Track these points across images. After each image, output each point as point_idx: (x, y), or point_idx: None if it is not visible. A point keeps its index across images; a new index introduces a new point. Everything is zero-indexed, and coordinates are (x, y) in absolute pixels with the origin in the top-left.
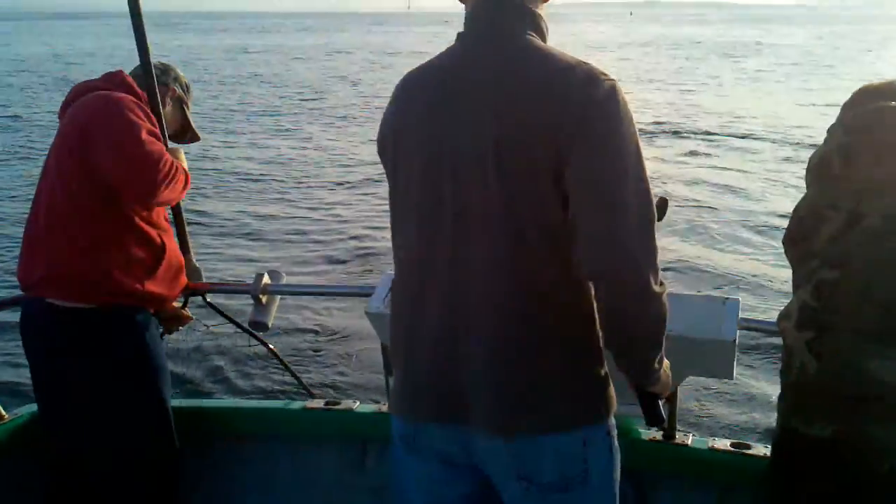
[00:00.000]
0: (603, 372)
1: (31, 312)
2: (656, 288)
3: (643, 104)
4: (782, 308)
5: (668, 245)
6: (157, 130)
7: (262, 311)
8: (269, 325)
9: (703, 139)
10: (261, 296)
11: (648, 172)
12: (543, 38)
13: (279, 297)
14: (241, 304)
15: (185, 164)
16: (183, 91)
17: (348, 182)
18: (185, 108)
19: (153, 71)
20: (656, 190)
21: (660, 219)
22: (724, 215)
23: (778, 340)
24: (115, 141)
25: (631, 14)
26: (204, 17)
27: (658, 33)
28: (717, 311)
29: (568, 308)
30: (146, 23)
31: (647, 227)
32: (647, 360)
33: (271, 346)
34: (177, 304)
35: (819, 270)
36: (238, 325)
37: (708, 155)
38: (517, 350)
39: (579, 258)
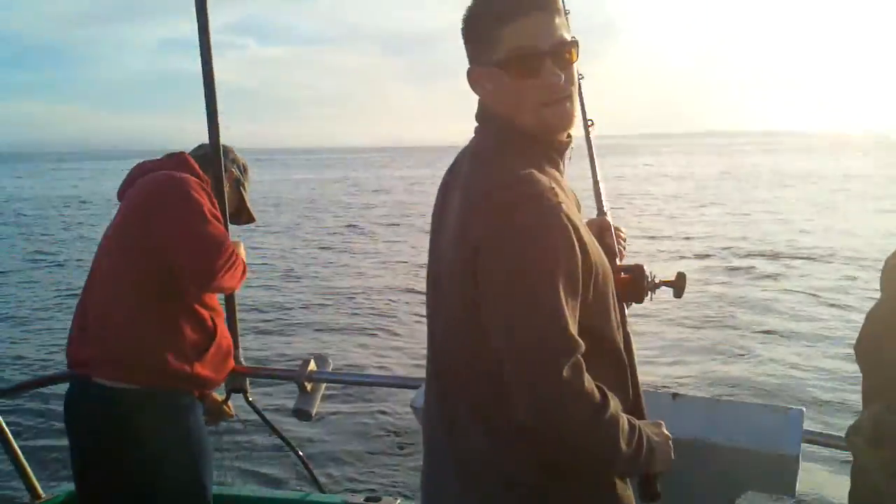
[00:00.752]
0: None
1: (77, 390)
2: (585, 425)
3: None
4: (852, 421)
5: (728, 357)
6: (219, 214)
7: (307, 398)
8: (313, 414)
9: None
10: (306, 383)
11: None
12: (512, 147)
13: (324, 384)
14: (286, 392)
15: (245, 256)
16: (241, 172)
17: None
18: (243, 189)
19: (218, 153)
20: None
21: (678, 295)
22: (786, 322)
23: (846, 456)
24: (179, 222)
25: None
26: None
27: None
28: (779, 421)
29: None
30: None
31: (553, 373)
32: (617, 468)
33: (287, 439)
34: (219, 397)
35: (895, 383)
36: (273, 430)
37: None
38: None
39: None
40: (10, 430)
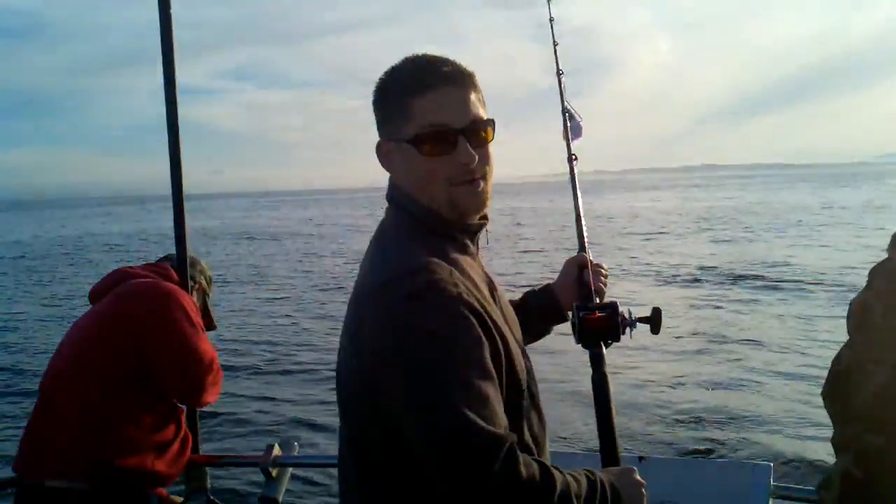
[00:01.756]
0: None
1: (29, 498)
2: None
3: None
4: (822, 476)
5: (688, 397)
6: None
7: (273, 485)
8: (280, 501)
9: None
10: (271, 469)
11: None
12: (415, 230)
13: (291, 468)
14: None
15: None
16: (206, 283)
17: None
18: (208, 298)
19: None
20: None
21: (655, 331)
22: (753, 362)
23: None
24: (173, 336)
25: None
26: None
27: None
28: (746, 478)
29: None
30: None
31: (481, 468)
32: None
33: None
34: (178, 500)
35: (863, 435)
36: None
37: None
38: None
39: None
40: None
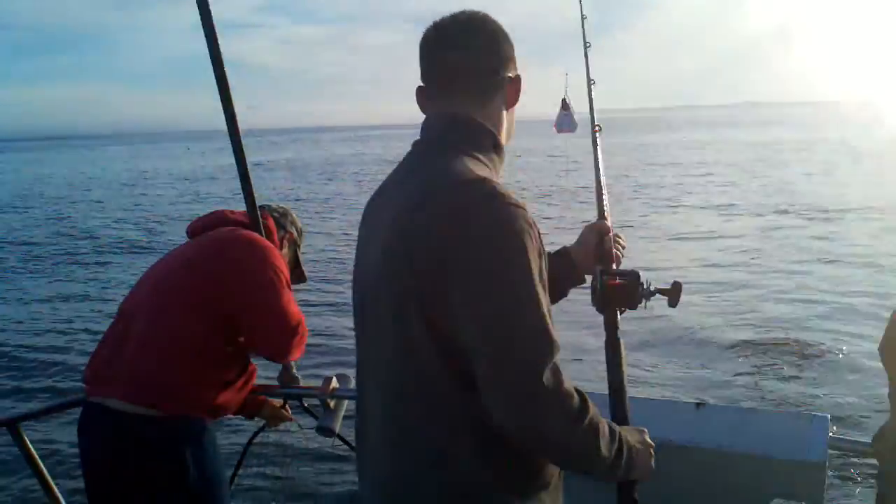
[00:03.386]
0: None
1: (92, 415)
2: (564, 428)
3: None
4: (878, 428)
5: (742, 357)
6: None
7: (330, 415)
8: (336, 430)
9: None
10: (329, 400)
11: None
12: (488, 154)
13: (347, 401)
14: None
15: None
16: (298, 235)
17: None
18: (298, 250)
19: (275, 213)
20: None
21: (673, 304)
22: (811, 319)
23: (874, 462)
24: (262, 297)
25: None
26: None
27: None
28: (803, 429)
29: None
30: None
31: (532, 374)
32: (596, 474)
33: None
34: (277, 403)
35: None
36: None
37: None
38: None
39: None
40: (38, 452)
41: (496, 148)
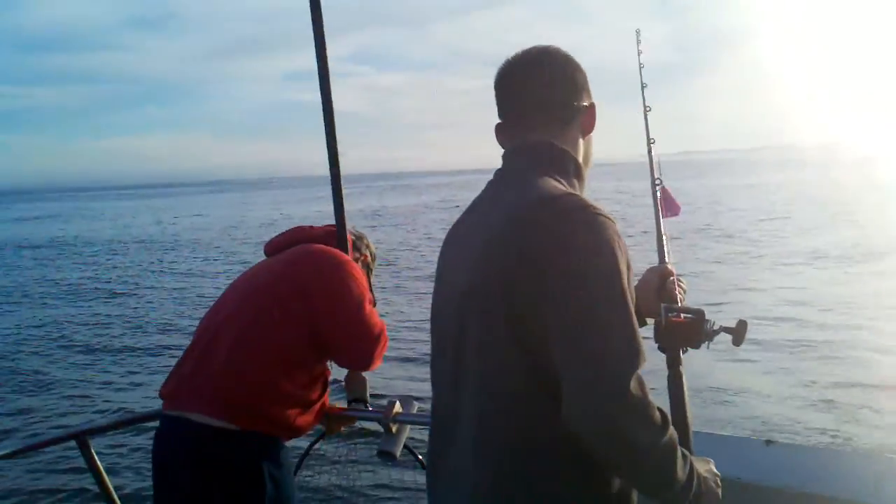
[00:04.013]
0: None
1: (172, 428)
2: (646, 441)
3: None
4: None
5: (823, 401)
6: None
7: (391, 440)
8: (397, 455)
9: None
10: (391, 424)
11: None
12: (569, 179)
13: (409, 426)
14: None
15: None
16: (371, 259)
17: None
18: (370, 274)
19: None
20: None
21: (738, 343)
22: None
23: None
24: (346, 309)
25: None
26: None
27: None
28: (882, 470)
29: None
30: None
31: (621, 379)
32: (667, 496)
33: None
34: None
35: None
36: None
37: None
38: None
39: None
40: (104, 466)
41: (578, 174)
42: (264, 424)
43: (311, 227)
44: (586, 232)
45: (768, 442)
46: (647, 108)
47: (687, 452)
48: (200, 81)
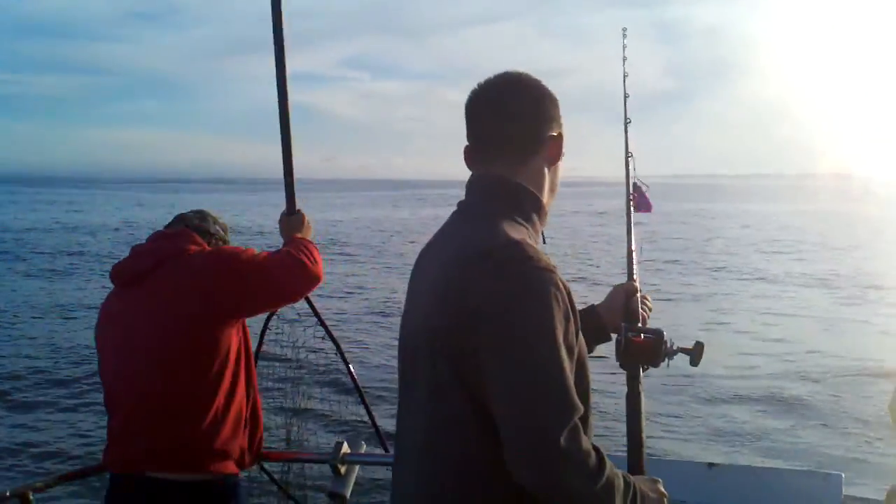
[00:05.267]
0: None
1: (122, 489)
2: (582, 489)
3: None
4: (891, 485)
5: (754, 413)
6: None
7: (341, 481)
8: (347, 497)
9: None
10: (339, 466)
11: None
12: (526, 215)
13: (358, 467)
14: (318, 474)
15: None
16: (224, 232)
17: None
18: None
19: (193, 222)
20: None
21: (695, 363)
22: (815, 378)
23: None
24: (233, 271)
25: None
26: None
27: None
28: (817, 487)
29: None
30: None
31: (551, 433)
32: None
33: None
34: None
35: None
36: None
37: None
38: None
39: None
40: None
41: (537, 209)
42: (213, 462)
43: (154, 240)
44: (521, 287)
45: (711, 465)
46: (628, 120)
47: (630, 478)
48: (199, 79)
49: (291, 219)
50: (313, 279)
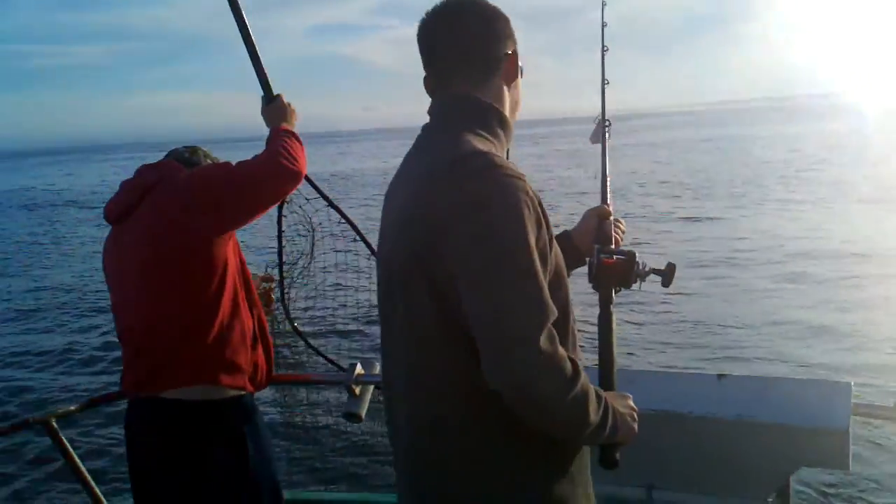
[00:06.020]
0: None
1: (142, 412)
2: (556, 395)
3: None
4: None
5: (763, 327)
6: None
7: (356, 401)
8: (363, 416)
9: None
10: (354, 386)
11: None
12: (493, 130)
13: (373, 387)
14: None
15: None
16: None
17: None
18: None
19: (184, 155)
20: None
21: (667, 284)
22: (822, 281)
23: None
24: (207, 185)
25: None
26: None
27: None
28: (826, 396)
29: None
30: None
31: (526, 336)
32: (582, 438)
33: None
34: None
35: None
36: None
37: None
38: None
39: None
40: (74, 449)
41: (501, 123)
42: (224, 374)
43: (141, 175)
44: (488, 193)
45: (720, 376)
46: (605, 49)
47: (601, 392)
48: (225, 38)
49: (271, 107)
50: (292, 179)
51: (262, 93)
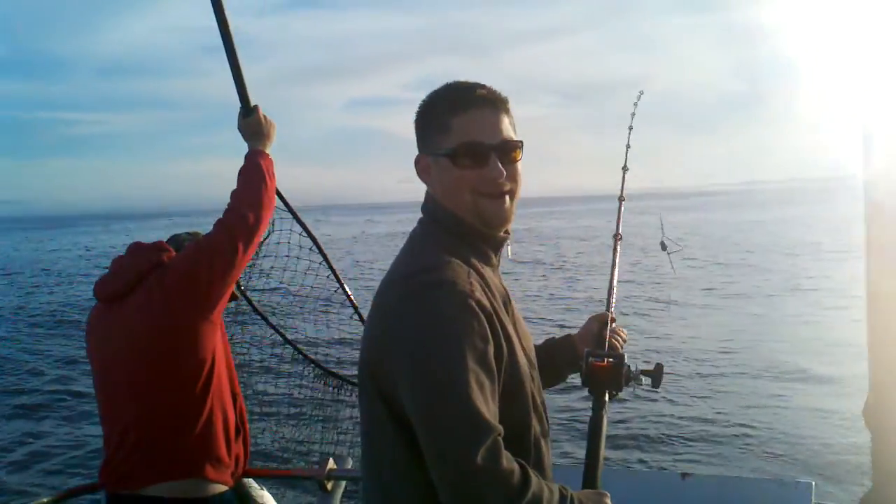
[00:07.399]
0: None
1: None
2: None
3: None
4: (865, 492)
5: (725, 417)
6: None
7: (328, 497)
8: None
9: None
10: (325, 482)
11: None
12: (449, 236)
13: (344, 482)
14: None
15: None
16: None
17: None
18: None
19: (178, 239)
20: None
21: (656, 385)
22: (789, 381)
23: None
24: (185, 264)
25: None
26: None
27: None
28: (788, 496)
29: None
30: None
31: (464, 454)
32: None
33: None
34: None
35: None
36: None
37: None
38: None
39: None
40: None
41: (457, 229)
42: (208, 466)
43: (134, 253)
44: (424, 315)
45: (684, 475)
46: (626, 169)
47: (567, 491)
48: (269, 107)
49: (249, 121)
50: (256, 227)
51: (240, 105)
